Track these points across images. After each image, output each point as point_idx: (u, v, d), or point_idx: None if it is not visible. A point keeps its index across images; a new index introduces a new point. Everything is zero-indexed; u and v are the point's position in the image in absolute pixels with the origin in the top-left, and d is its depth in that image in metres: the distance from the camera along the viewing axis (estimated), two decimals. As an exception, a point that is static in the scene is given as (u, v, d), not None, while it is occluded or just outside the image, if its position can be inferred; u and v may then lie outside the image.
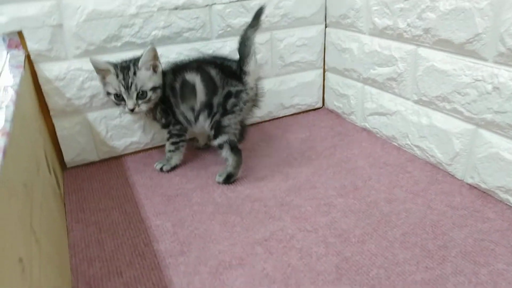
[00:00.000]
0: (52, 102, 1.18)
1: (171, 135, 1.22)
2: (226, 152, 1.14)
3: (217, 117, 1.12)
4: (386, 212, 0.99)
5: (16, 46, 1.08)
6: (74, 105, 1.21)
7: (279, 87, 1.52)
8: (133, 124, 1.32)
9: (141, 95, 1.08)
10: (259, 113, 1.52)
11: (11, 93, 0.72)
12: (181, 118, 1.19)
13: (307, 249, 0.88)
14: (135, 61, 1.08)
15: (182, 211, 1.04)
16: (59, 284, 0.70)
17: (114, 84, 1.07)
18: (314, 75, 1.58)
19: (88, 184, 1.20)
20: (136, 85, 1.07)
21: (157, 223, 1.00)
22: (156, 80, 1.11)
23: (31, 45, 1.10)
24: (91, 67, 1.18)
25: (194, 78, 1.11)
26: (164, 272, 0.84)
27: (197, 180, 1.18)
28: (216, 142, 1.14)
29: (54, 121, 1.21)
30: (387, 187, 1.09)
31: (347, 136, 1.40)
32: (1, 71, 0.90)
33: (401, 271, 0.81)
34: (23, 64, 0.96)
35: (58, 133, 1.23)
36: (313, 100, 1.62)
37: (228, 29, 1.33)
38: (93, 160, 1.32)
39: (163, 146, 1.39)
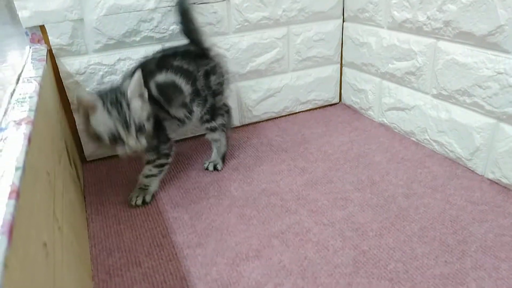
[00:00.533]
0: (73, 96, 1.20)
1: (159, 156, 1.08)
2: (219, 134, 1.19)
3: (210, 100, 1.13)
4: (404, 206, 0.98)
5: (39, 41, 1.11)
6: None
7: (296, 82, 1.52)
8: (151, 118, 1.33)
9: (139, 129, 0.93)
10: (275, 109, 1.52)
11: (34, 85, 0.74)
12: (172, 127, 1.11)
13: (324, 242, 0.88)
14: (121, 92, 0.92)
15: (199, 204, 1.05)
16: (80, 272, 0.71)
17: (108, 123, 0.89)
18: (331, 70, 1.57)
19: (107, 177, 1.22)
20: (134, 121, 0.91)
21: (175, 215, 1.01)
22: (147, 107, 0.96)
23: (53, 40, 1.12)
24: (110, 61, 1.21)
25: (168, 76, 1.05)
26: (182, 263, 0.85)
27: (213, 174, 1.19)
28: (210, 125, 1.17)
29: (75, 115, 1.23)
30: (405, 182, 1.08)
31: (365, 131, 1.39)
32: (24, 65, 0.92)
33: (419, 265, 0.80)
34: (45, 58, 0.99)
35: (78, 127, 1.25)
36: (330, 95, 1.61)
37: (246, 23, 1.34)
38: (112, 154, 1.34)
39: (179, 141, 1.41)
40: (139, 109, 0.93)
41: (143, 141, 0.94)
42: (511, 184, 1.00)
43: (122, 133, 0.90)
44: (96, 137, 0.92)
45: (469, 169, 1.11)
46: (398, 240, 0.87)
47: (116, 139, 0.91)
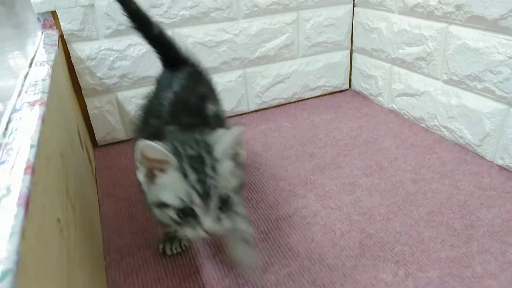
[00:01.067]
0: (84, 81, 1.22)
1: None
2: None
3: None
4: (412, 191, 0.98)
5: (50, 26, 1.12)
6: (104, 84, 1.25)
7: (305, 68, 1.51)
8: (161, 104, 1.34)
9: (224, 204, 0.62)
10: (285, 95, 1.52)
11: (47, 68, 0.75)
12: None
13: (331, 225, 0.89)
14: (206, 145, 0.63)
15: (208, 187, 1.07)
16: (93, 251, 0.73)
17: (179, 189, 0.59)
18: (341, 56, 1.56)
19: (118, 161, 1.24)
20: (219, 191, 0.61)
21: (184, 199, 1.03)
22: (240, 174, 0.66)
23: (64, 25, 1.13)
24: (121, 47, 1.22)
25: (207, 106, 0.81)
26: (193, 244, 0.87)
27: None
28: None
29: (86, 100, 1.25)
30: (413, 167, 1.08)
31: (374, 117, 1.39)
32: (37, 49, 0.94)
33: (425, 248, 0.80)
34: (57, 43, 1.00)
35: (90, 112, 1.27)
36: (339, 81, 1.61)
37: (255, 9, 1.33)
38: (122, 138, 1.36)
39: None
40: (229, 175, 0.63)
41: (227, 222, 0.63)
42: (521, 170, 1.00)
43: (199, 206, 0.59)
44: (157, 207, 0.62)
45: (479, 155, 1.11)
46: (405, 224, 0.88)
47: (186, 214, 0.60)
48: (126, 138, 1.36)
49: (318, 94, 1.60)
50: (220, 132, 0.65)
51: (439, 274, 0.74)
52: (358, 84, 1.59)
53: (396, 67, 1.36)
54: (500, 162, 1.05)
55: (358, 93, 1.60)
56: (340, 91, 1.63)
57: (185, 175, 0.59)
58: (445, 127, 1.20)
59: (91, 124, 1.29)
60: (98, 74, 1.23)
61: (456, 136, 1.17)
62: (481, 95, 1.07)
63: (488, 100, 1.05)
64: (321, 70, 1.55)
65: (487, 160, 1.08)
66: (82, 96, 1.24)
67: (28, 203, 0.35)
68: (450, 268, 0.75)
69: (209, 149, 0.62)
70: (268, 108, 1.52)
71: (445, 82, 1.17)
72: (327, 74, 1.57)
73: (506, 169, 1.04)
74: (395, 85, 1.38)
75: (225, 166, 0.62)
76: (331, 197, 0.99)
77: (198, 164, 0.60)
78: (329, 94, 1.61)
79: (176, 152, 0.60)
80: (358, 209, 0.94)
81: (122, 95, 1.29)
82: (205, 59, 1.33)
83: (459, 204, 0.92)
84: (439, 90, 1.20)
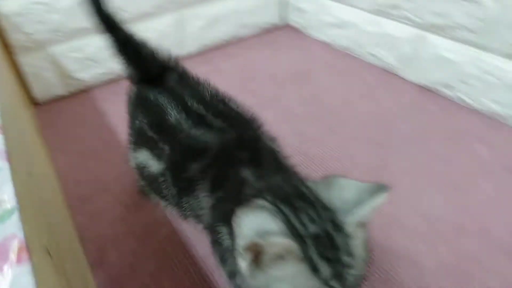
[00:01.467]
0: (13, 39, 1.18)
1: None
2: None
3: None
4: (342, 114, 1.11)
5: (-34, -18, 1.06)
6: (36, 40, 1.21)
7: (238, 6, 1.54)
8: (99, 54, 1.33)
9: (357, 284, 0.47)
10: (222, 35, 1.55)
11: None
12: None
13: (275, 152, 1.00)
14: (327, 210, 0.46)
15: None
16: (57, 198, 0.79)
17: (307, 285, 0.44)
18: (272, -8, 1.60)
19: (63, 117, 1.25)
20: (356, 275, 0.45)
21: (137, 145, 1.08)
22: (366, 240, 0.48)
23: (-18, -20, 1.07)
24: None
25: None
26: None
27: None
28: None
29: (19, 58, 1.22)
30: (342, 92, 1.20)
31: (308, 50, 1.48)
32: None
33: (353, 160, 0.95)
34: (-22, 0, 0.96)
35: (24, 70, 1.24)
36: (274, 18, 1.65)
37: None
38: (63, 94, 1.34)
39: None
40: (363, 250, 0.47)
41: None
42: (434, 87, 1.15)
43: None
44: None
45: (401, 77, 1.25)
46: (335, 141, 1.02)
47: None
48: (67, 94, 1.35)
49: (254, 32, 1.64)
50: (342, 184, 0.49)
51: (362, 178, 0.88)
52: (292, 19, 1.65)
53: (325, 0, 1.43)
54: (418, 81, 1.20)
55: (292, 28, 1.67)
56: (276, 28, 1.69)
57: (314, 269, 0.43)
58: (371, 54, 1.32)
59: (28, 83, 1.27)
60: (28, 30, 1.19)
61: (381, 61, 1.30)
62: (400, 22, 1.18)
63: (406, 26, 1.17)
64: (255, 7, 1.58)
65: (407, 80, 1.23)
66: (14, 54, 1.21)
67: (10, 158, 0.41)
68: (372, 172, 0.91)
69: (336, 220, 0.45)
70: (207, 50, 1.55)
71: (369, 12, 1.27)
72: (262, 11, 1.61)
73: (425, 88, 1.19)
74: (325, 17, 1.46)
75: (359, 241, 0.46)
76: (272, 127, 1.09)
77: (329, 250, 0.44)
78: (265, 31, 1.66)
79: (290, 227, 0.44)
80: (295, 135, 1.05)
81: (57, 49, 1.26)
82: (136, 5, 1.32)
83: (382, 120, 1.07)
84: (365, 20, 1.30)
